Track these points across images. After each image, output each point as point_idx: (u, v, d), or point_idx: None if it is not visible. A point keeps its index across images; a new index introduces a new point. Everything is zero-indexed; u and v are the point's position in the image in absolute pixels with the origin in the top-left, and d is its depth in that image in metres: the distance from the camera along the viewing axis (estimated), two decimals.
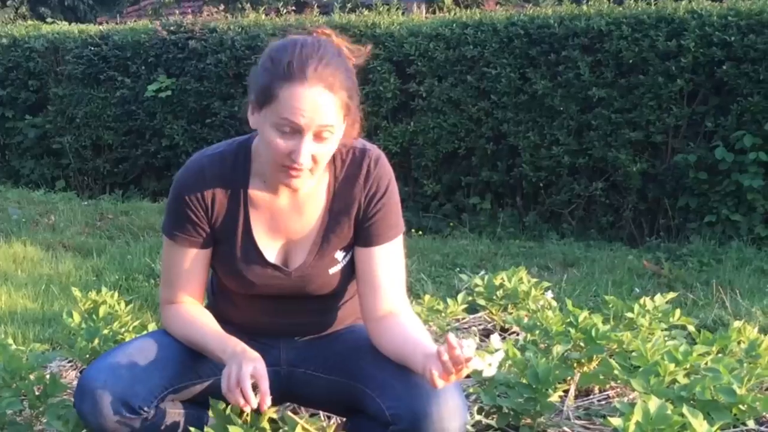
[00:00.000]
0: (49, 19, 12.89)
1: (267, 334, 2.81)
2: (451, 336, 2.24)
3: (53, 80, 10.92)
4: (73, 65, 10.62)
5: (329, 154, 2.47)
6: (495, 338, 2.39)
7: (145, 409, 2.52)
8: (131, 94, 10.34)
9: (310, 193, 2.61)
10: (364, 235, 2.62)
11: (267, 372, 2.51)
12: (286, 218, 2.63)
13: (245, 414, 2.50)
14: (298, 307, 2.74)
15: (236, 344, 2.54)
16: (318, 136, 2.39)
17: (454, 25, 8.54)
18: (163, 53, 10.18)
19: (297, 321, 2.76)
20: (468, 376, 3.33)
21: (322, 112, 2.36)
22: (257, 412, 2.46)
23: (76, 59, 10.61)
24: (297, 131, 2.37)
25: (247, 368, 2.41)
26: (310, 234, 2.64)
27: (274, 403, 2.56)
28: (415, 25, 8.83)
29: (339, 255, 2.66)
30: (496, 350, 2.36)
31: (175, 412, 2.62)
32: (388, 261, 2.62)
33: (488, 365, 2.29)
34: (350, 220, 2.62)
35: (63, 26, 11.60)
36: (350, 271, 2.69)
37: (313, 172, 2.46)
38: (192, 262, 2.66)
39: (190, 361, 2.65)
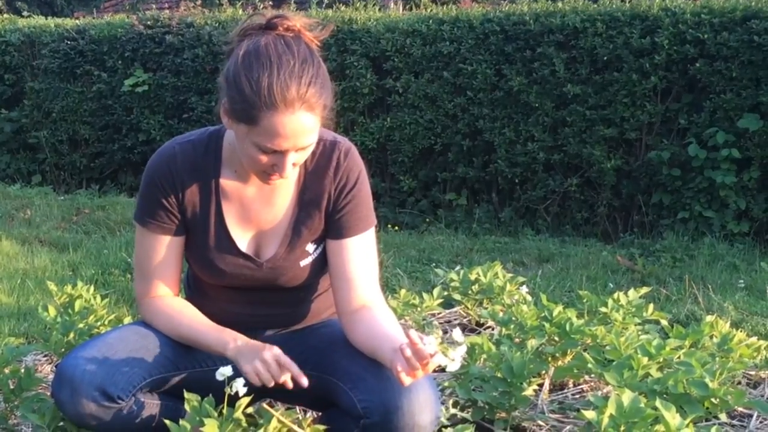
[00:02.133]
0: (25, 13, 12.80)
1: (241, 327, 2.81)
2: (413, 332, 2.26)
3: (29, 74, 10.86)
4: (49, 59, 10.57)
5: (308, 154, 2.50)
6: (456, 332, 2.40)
7: (124, 398, 2.53)
8: (108, 89, 10.30)
9: (281, 183, 2.62)
10: (335, 228, 2.64)
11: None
12: (257, 208, 2.64)
13: (221, 406, 2.51)
14: (270, 299, 2.76)
15: (235, 338, 2.57)
16: (299, 149, 2.42)
17: (431, 21, 8.56)
18: (139, 48, 10.15)
19: (269, 312, 2.78)
20: (442, 370, 3.37)
21: (305, 135, 2.38)
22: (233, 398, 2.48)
23: (53, 53, 10.56)
24: (279, 152, 2.39)
25: (272, 355, 2.47)
26: (281, 225, 2.66)
27: (253, 398, 2.57)
28: (392, 21, 8.83)
29: (310, 247, 2.67)
30: (458, 344, 2.37)
31: (152, 403, 2.63)
32: (360, 253, 2.64)
33: (451, 360, 2.30)
34: (321, 212, 2.64)
35: (39, 20, 11.54)
36: (322, 263, 2.70)
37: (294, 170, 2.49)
38: (165, 250, 2.67)
39: (169, 353, 2.66)
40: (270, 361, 2.46)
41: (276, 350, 2.49)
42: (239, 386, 2.45)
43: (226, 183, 2.63)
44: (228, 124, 2.47)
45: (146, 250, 2.69)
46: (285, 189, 2.64)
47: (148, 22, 10.22)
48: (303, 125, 2.35)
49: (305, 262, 2.68)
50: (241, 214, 2.65)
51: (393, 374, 2.35)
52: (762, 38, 7.16)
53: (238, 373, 2.47)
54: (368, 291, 2.62)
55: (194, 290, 2.86)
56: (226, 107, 2.43)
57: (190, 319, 2.67)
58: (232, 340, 2.56)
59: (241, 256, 2.65)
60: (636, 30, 7.59)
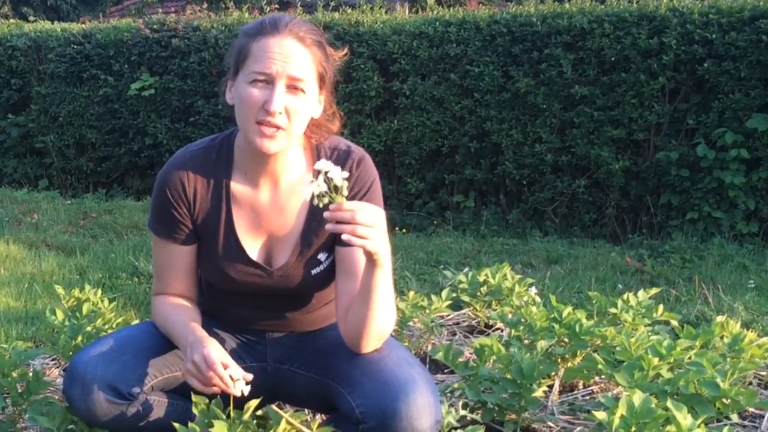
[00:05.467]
0: (31, 18, 12.84)
1: (252, 330, 2.82)
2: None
3: (36, 79, 10.88)
4: (55, 64, 10.58)
5: (302, 113, 2.49)
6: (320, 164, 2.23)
7: (134, 396, 2.55)
8: (114, 93, 10.31)
9: (292, 189, 2.63)
10: None
11: (254, 369, 2.54)
12: (268, 214, 2.64)
13: (228, 408, 2.50)
14: (280, 305, 2.76)
15: (194, 331, 2.54)
16: (290, 90, 2.44)
17: (437, 23, 8.55)
18: (146, 51, 10.15)
19: (279, 317, 2.78)
20: (450, 370, 3.36)
21: (294, 60, 2.43)
22: (242, 401, 2.46)
23: (59, 58, 10.57)
24: (269, 81, 2.42)
25: (201, 356, 2.41)
26: (293, 233, 2.65)
27: (262, 400, 2.56)
28: (399, 23, 8.82)
29: (322, 256, 2.67)
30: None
31: (161, 402, 2.64)
32: None
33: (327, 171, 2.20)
34: None
35: (45, 25, 11.56)
36: (333, 272, 2.68)
37: (287, 131, 2.47)
38: (178, 257, 2.69)
39: (179, 351, 2.66)
40: (199, 362, 2.42)
41: (210, 348, 2.44)
42: (241, 384, 2.44)
43: (238, 188, 2.64)
44: (230, 96, 2.54)
45: (160, 256, 2.73)
46: (297, 196, 2.64)
47: (155, 26, 10.23)
48: (291, 48, 2.44)
49: (316, 270, 2.67)
50: (252, 220, 2.65)
51: (391, 378, 2.39)
52: None
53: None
54: None
55: (206, 294, 2.85)
56: (228, 77, 2.54)
57: (174, 315, 2.66)
58: (190, 332, 2.55)
59: (251, 265, 2.65)
60: (643, 30, 7.58)
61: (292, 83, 2.43)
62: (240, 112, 2.49)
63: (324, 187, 2.19)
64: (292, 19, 2.47)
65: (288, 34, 2.43)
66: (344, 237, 2.21)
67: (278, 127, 2.44)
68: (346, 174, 2.20)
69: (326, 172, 2.18)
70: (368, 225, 2.22)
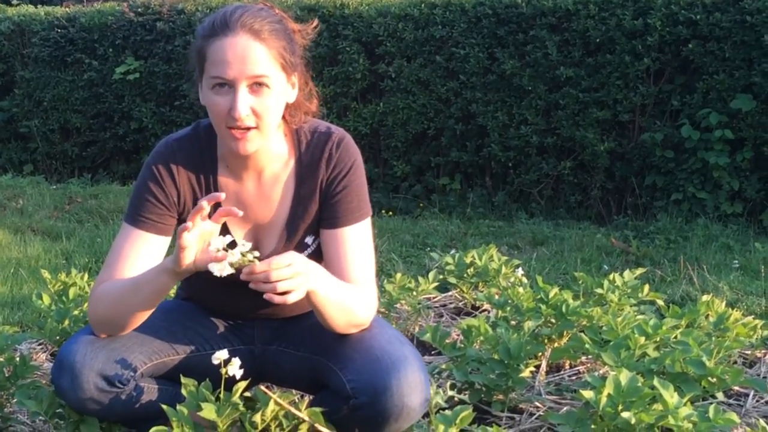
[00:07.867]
0: (14, 2, 12.74)
1: (240, 316, 2.82)
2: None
3: (20, 63, 10.81)
4: (39, 48, 10.52)
5: (272, 109, 2.47)
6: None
7: (124, 383, 2.54)
8: (99, 77, 10.25)
9: (276, 177, 2.63)
10: (327, 216, 2.63)
11: (241, 352, 2.56)
12: (253, 204, 2.63)
13: (217, 391, 2.51)
14: None
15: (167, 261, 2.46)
16: (254, 89, 2.41)
17: (423, 5, 8.53)
18: (130, 35, 10.10)
19: (269, 305, 2.76)
20: (437, 352, 3.37)
21: (251, 60, 2.38)
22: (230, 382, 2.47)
23: (43, 42, 10.51)
24: (230, 85, 2.39)
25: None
26: (278, 221, 2.66)
27: (249, 382, 2.57)
28: (384, 5, 8.80)
29: (309, 239, 2.67)
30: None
31: (150, 388, 2.63)
32: (353, 244, 2.61)
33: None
34: (315, 204, 2.63)
35: (29, 8, 11.49)
36: (320, 255, 2.68)
37: (260, 130, 2.46)
38: (148, 246, 2.60)
39: (168, 337, 2.67)
40: (194, 234, 2.35)
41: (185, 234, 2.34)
42: (235, 369, 2.45)
43: (223, 180, 2.63)
44: (201, 95, 2.50)
45: (127, 245, 2.60)
46: (281, 183, 2.64)
47: (139, 10, 10.18)
48: (247, 48, 2.38)
49: (304, 254, 2.65)
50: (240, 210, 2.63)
51: (382, 355, 2.42)
52: (754, 18, 7.15)
53: (234, 355, 2.48)
54: (359, 282, 2.58)
55: (193, 282, 2.81)
56: (195, 77, 2.50)
57: (124, 279, 2.54)
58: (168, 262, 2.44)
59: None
60: (628, 11, 7.58)
61: (254, 82, 2.40)
62: (211, 118, 2.50)
63: (237, 257, 2.29)
64: (244, 11, 2.42)
65: (241, 31, 2.38)
66: (266, 296, 2.27)
67: (249, 128, 2.43)
68: (248, 247, 2.29)
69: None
70: (286, 278, 2.26)
